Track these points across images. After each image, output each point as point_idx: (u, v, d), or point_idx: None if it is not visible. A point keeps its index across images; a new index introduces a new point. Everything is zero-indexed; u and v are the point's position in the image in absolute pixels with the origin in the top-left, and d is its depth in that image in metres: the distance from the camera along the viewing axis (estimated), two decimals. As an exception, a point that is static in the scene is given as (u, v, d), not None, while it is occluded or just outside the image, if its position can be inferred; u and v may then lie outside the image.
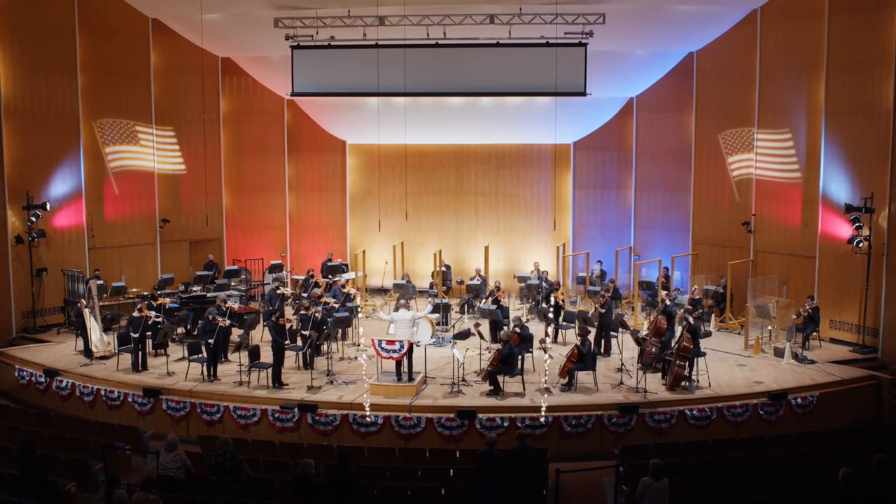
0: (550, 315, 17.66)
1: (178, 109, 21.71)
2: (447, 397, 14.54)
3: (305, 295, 18.16)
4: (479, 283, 20.18)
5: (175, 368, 16.02)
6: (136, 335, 15.88)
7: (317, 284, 19.24)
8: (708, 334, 17.07)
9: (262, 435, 14.00)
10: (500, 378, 14.67)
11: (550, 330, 17.83)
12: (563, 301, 18.59)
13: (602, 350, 16.83)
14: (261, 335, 17.77)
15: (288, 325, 15.67)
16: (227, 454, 10.61)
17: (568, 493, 12.07)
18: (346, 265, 21.59)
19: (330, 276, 20.18)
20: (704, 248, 20.98)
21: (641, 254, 22.11)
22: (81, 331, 17.04)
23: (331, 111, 22.66)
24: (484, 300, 19.24)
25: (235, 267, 21.62)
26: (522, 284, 20.94)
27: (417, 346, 15.69)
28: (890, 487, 9.56)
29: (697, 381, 14.98)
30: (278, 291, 18.45)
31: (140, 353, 15.97)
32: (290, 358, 16.10)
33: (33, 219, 18.76)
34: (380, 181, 22.91)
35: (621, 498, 11.36)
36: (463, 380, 15.17)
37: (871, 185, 17.29)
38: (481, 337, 16.28)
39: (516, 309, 20.19)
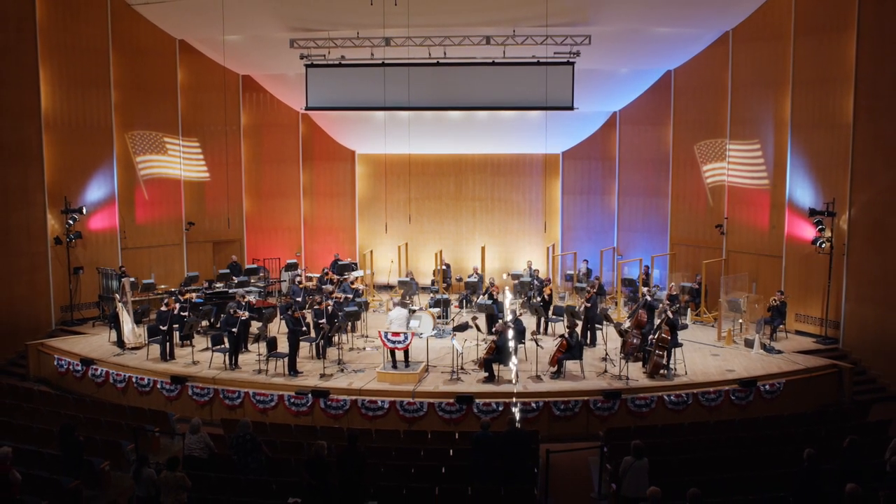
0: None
1: (202, 122, 21.72)
2: (447, 384, 14.53)
3: (328, 289, 18.20)
4: (476, 280, 20.17)
5: (200, 358, 16.01)
6: (164, 327, 15.88)
7: (330, 281, 19.26)
8: (684, 327, 17.09)
9: (278, 418, 14.02)
10: (494, 366, 14.67)
11: (541, 322, 17.84)
12: (549, 296, 18.53)
13: (588, 341, 16.80)
14: (278, 327, 17.76)
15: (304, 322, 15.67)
16: (246, 436, 10.62)
17: (557, 471, 12.07)
18: (356, 264, 21.60)
19: (341, 274, 20.19)
20: (681, 249, 20.98)
21: (624, 253, 22.10)
22: (115, 323, 17.05)
23: (341, 124, 22.65)
24: (480, 296, 19.22)
25: (254, 266, 21.64)
26: (516, 281, 20.90)
27: (420, 337, 15.72)
28: (856, 466, 9.58)
29: (675, 369, 14.98)
30: (301, 286, 18.58)
31: (168, 343, 15.96)
32: (305, 348, 16.09)
33: (71, 222, 18.77)
34: (386, 187, 22.91)
35: (605, 475, 11.37)
36: (462, 368, 15.17)
37: (832, 191, 17.30)
38: (478, 329, 16.27)
39: (510, 304, 20.16)
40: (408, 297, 19.95)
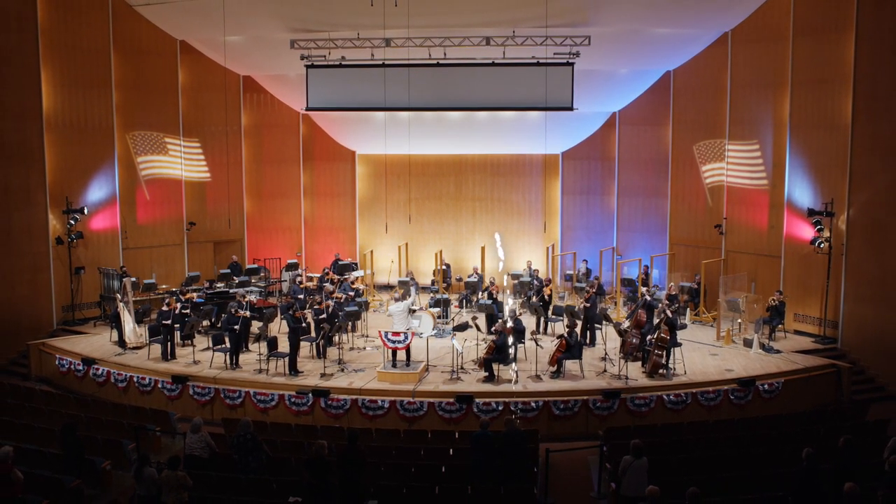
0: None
1: (203, 123, 21.72)
2: (447, 384, 14.53)
3: (328, 289, 18.21)
4: (476, 280, 20.17)
5: (201, 357, 16.02)
6: (167, 324, 15.86)
7: (331, 281, 19.26)
8: (683, 326, 17.09)
9: (279, 418, 14.02)
10: (494, 366, 14.67)
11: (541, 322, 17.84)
12: (549, 296, 18.54)
13: (587, 341, 16.80)
14: (278, 327, 17.77)
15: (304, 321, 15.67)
16: (247, 435, 10.62)
17: (557, 471, 12.08)
18: (356, 264, 21.60)
19: (341, 274, 20.18)
20: (680, 249, 20.98)
21: (623, 253, 22.09)
22: (116, 323, 17.05)
23: (342, 124, 22.65)
24: (480, 294, 19.22)
25: (255, 265, 21.64)
26: (515, 281, 20.90)
27: (420, 337, 15.69)
28: (854, 465, 9.59)
29: (674, 369, 14.98)
30: (301, 285, 18.58)
31: (169, 343, 15.96)
32: (305, 348, 16.09)
33: (72, 222, 18.77)
34: (386, 188, 22.91)
35: (605, 475, 11.37)
36: (462, 368, 15.17)
37: (831, 191, 17.30)
38: (478, 329, 16.27)
39: (510, 304, 20.15)
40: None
